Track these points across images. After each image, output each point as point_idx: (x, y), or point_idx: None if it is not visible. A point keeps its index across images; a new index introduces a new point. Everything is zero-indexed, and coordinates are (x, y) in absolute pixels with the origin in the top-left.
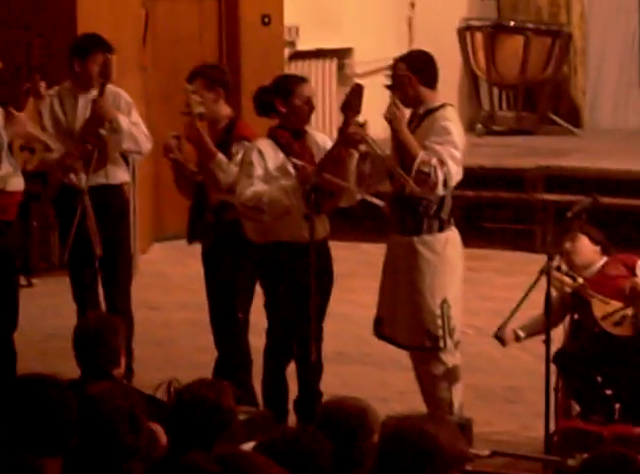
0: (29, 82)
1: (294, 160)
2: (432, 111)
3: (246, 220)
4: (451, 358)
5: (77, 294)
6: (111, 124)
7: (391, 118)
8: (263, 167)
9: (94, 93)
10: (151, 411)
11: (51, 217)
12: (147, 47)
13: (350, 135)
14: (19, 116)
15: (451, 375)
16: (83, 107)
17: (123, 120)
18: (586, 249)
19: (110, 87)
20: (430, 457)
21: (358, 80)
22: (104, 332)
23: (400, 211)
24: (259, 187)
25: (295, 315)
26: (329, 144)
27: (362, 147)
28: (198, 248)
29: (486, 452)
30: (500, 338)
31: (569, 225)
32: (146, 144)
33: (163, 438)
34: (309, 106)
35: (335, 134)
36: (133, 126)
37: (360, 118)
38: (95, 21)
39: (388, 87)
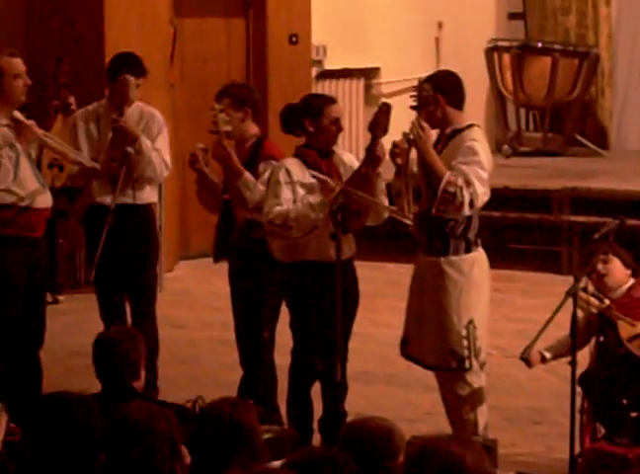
0: (57, 99)
1: (316, 174)
2: (458, 131)
3: (273, 239)
4: (477, 380)
5: (104, 312)
6: (134, 145)
7: (416, 139)
8: (290, 187)
9: (127, 113)
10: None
11: (77, 235)
12: (175, 65)
13: (393, 145)
14: (27, 123)
15: (477, 396)
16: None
17: (145, 143)
18: (618, 271)
19: (144, 107)
20: None
21: (385, 100)
22: (123, 344)
23: (427, 232)
24: (286, 205)
25: (321, 334)
26: (355, 164)
27: (399, 160)
28: (223, 266)
29: None
30: (526, 359)
31: (596, 247)
32: (163, 172)
33: (187, 458)
34: (337, 127)
35: (362, 154)
36: (154, 151)
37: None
38: (123, 39)
39: (414, 108)
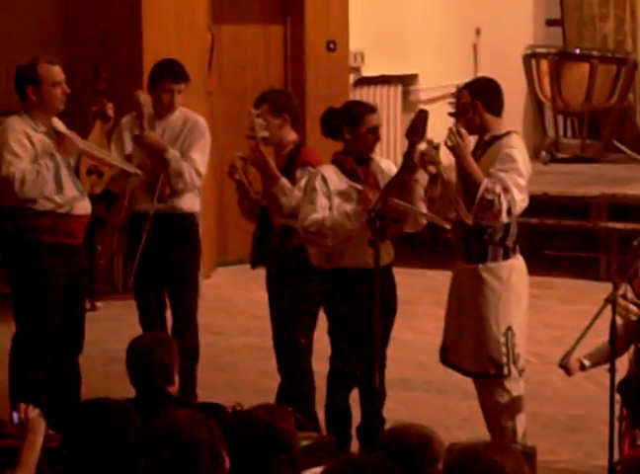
0: (96, 106)
1: (355, 185)
2: (497, 138)
3: (310, 246)
4: (515, 386)
5: (142, 318)
6: (163, 156)
7: (454, 146)
8: (326, 193)
9: (171, 119)
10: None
11: (115, 244)
12: (213, 72)
13: (421, 155)
14: (67, 134)
15: (515, 403)
16: (159, 134)
17: (173, 154)
18: None
19: (189, 113)
20: None
21: (424, 107)
22: (155, 350)
23: (465, 238)
24: (321, 213)
25: (359, 341)
26: (394, 170)
27: (432, 168)
28: (261, 273)
29: None
30: (565, 367)
31: (636, 253)
32: (195, 181)
33: (227, 463)
34: (374, 136)
35: (399, 161)
36: (185, 161)
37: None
38: (161, 46)
39: (452, 114)
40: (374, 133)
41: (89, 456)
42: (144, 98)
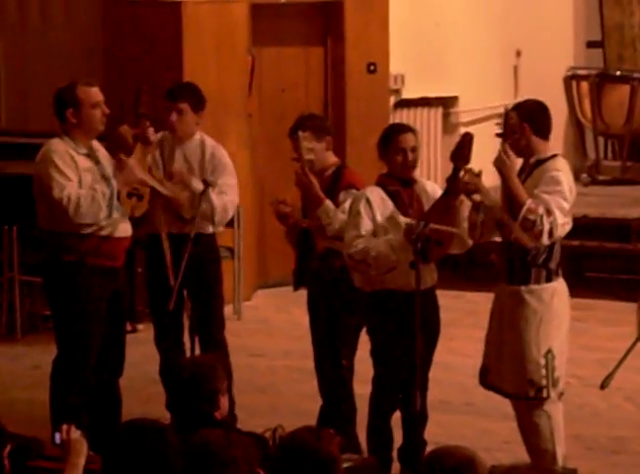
0: (137, 128)
1: (403, 218)
2: (542, 161)
3: (353, 270)
4: (554, 409)
5: (160, 341)
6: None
7: (501, 166)
8: (371, 217)
9: (189, 145)
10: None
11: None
12: (253, 95)
13: (465, 184)
14: (128, 162)
15: (554, 426)
16: (179, 158)
17: (195, 183)
18: None
19: (207, 142)
20: None
21: (464, 129)
22: (199, 374)
23: (508, 261)
24: (366, 240)
25: (401, 363)
26: (439, 193)
27: (477, 197)
28: (301, 295)
29: None
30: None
31: None
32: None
33: None
34: (403, 157)
35: (440, 182)
36: (218, 197)
37: (476, 168)
38: (201, 68)
39: (499, 135)
40: (401, 154)
41: None
42: (129, 133)
